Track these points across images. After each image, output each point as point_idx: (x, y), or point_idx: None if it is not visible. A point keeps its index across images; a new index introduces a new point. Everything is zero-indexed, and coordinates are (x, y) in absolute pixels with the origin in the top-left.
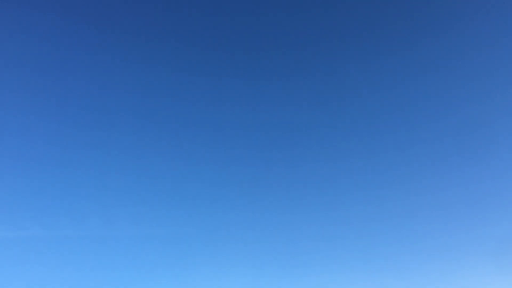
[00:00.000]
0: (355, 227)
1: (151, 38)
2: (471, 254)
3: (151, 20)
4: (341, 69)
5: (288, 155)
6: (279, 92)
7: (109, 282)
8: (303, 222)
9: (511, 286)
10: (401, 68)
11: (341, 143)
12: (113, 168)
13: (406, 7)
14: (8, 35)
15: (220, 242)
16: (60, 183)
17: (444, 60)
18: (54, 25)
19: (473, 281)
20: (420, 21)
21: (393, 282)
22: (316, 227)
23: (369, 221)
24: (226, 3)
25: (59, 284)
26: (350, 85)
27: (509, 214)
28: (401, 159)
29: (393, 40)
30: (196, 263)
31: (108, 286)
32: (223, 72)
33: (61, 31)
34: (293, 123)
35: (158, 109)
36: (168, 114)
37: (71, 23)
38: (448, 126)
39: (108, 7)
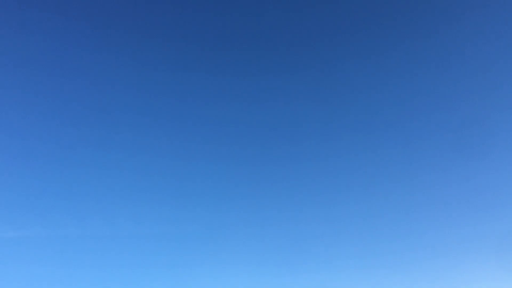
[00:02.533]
0: (356, 225)
1: (151, 37)
2: (472, 251)
3: (151, 19)
4: (341, 66)
5: (288, 153)
6: (279, 90)
7: (111, 281)
8: (303, 220)
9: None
10: (400, 65)
11: (341, 141)
12: (114, 167)
13: (405, 6)
14: (8, 35)
15: (221, 241)
16: (61, 182)
17: (442, 58)
18: (54, 24)
19: (474, 279)
20: (419, 20)
21: (394, 280)
22: (316, 226)
23: (370, 219)
24: (227, 2)
25: (61, 283)
26: (350, 83)
27: (510, 211)
28: (401, 157)
29: (392, 38)
30: (198, 262)
31: (110, 285)
32: (223, 70)
33: (62, 30)
34: (293, 121)
35: (159, 108)
36: (168, 113)
37: (72, 22)
38: (448, 123)
39: (109, 6)
